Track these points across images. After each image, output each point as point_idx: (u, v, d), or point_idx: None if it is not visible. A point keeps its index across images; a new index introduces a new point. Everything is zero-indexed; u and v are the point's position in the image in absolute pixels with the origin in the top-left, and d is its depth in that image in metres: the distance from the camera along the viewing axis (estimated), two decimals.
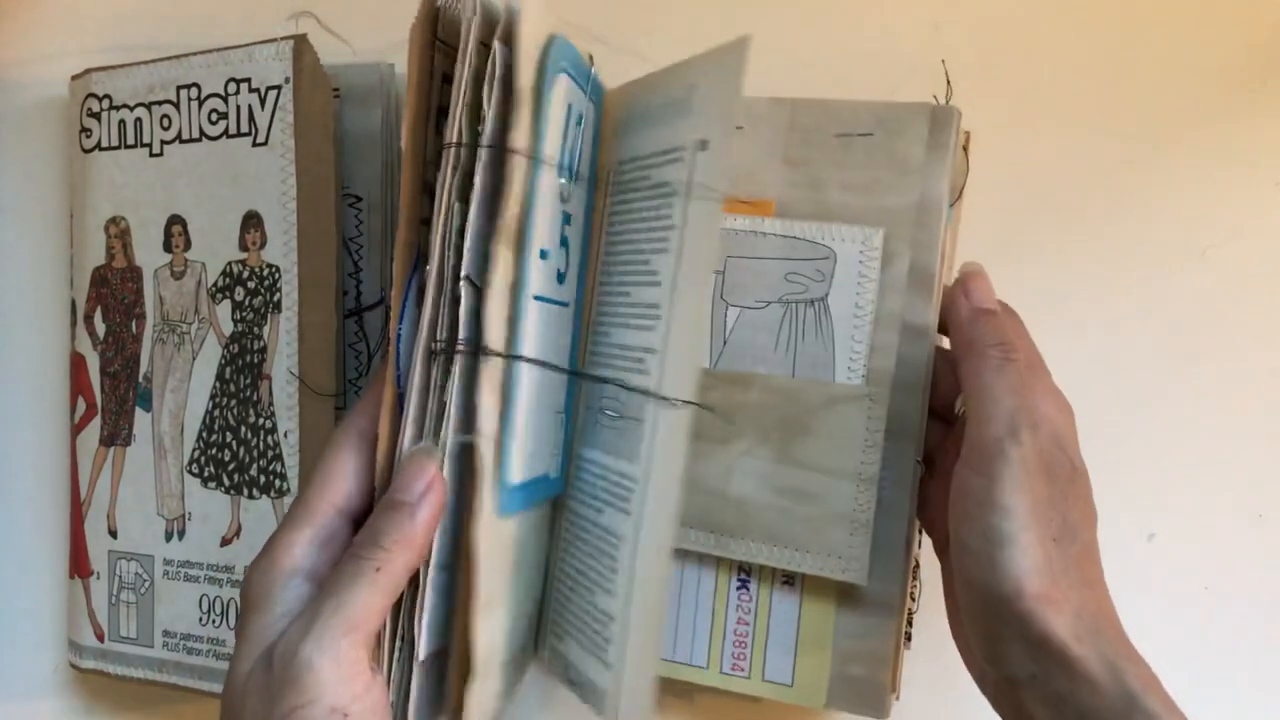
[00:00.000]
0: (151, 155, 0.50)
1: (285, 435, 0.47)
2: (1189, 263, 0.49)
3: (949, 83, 0.46)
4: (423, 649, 0.35)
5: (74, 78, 0.53)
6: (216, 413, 0.49)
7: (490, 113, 0.34)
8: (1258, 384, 0.49)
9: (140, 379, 0.51)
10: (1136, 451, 0.49)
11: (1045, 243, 0.50)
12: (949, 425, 0.45)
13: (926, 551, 0.47)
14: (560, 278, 0.39)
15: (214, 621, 0.49)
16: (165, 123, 0.50)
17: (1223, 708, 0.49)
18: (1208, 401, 0.49)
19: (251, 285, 0.48)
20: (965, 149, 0.47)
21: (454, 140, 0.34)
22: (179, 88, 0.49)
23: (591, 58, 0.39)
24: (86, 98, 0.52)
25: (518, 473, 0.36)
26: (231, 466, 0.48)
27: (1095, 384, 0.49)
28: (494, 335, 0.34)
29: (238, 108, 0.48)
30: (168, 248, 0.50)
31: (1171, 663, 0.48)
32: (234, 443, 0.48)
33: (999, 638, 0.37)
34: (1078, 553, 0.38)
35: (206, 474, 0.49)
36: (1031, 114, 0.50)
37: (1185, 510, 0.49)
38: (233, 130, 0.48)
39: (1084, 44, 0.49)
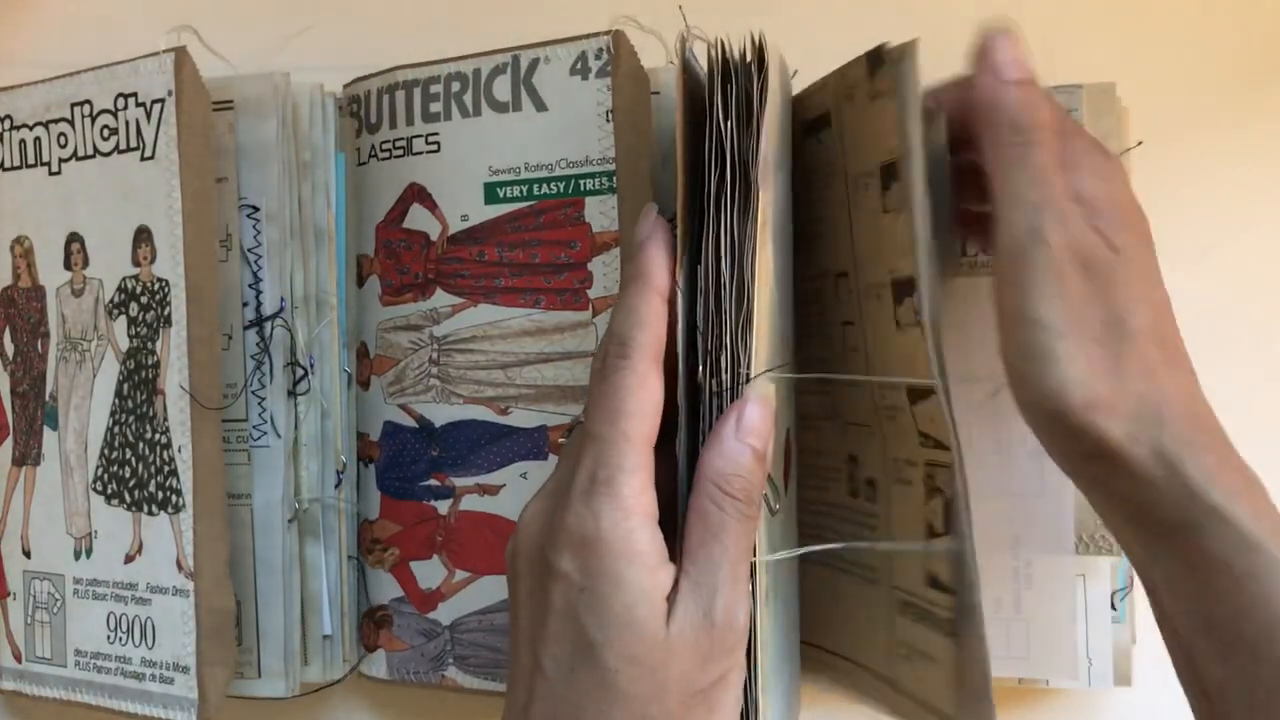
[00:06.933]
0: (50, 174, 0.50)
1: (179, 450, 0.46)
2: (1189, 263, 0.48)
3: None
4: None
5: None
6: (116, 430, 0.48)
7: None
8: (1257, 384, 0.48)
9: (47, 398, 0.51)
10: None
11: None
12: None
13: None
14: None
15: (120, 640, 0.48)
16: (62, 140, 0.49)
17: None
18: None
19: (144, 300, 0.48)
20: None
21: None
22: (73, 105, 0.49)
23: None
24: None
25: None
26: (132, 483, 0.48)
27: None
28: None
29: (127, 123, 0.48)
30: (68, 265, 0.50)
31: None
32: (133, 459, 0.48)
33: (1059, 452, 0.36)
34: (1130, 345, 0.35)
35: (110, 491, 0.49)
36: None
37: None
38: (123, 146, 0.48)
39: (1083, 43, 0.49)
